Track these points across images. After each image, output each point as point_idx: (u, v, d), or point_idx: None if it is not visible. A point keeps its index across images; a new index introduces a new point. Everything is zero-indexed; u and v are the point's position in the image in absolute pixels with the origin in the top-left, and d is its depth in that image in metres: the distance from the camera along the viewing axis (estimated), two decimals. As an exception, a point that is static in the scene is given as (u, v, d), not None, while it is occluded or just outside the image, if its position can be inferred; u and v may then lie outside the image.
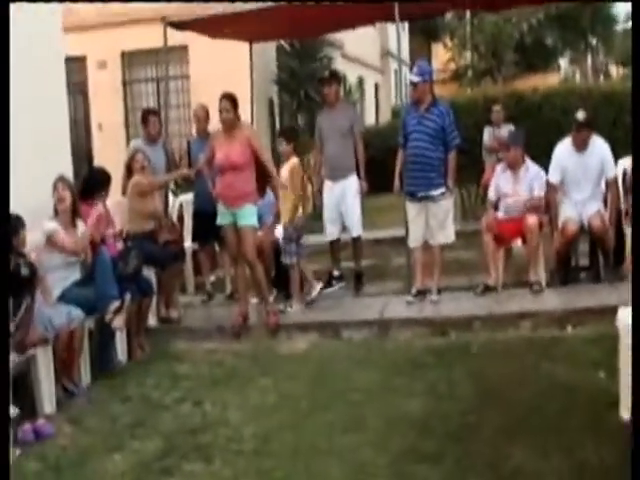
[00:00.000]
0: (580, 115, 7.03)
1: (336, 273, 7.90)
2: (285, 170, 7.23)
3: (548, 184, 7.10)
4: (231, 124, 6.71)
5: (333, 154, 7.69)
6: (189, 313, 7.55)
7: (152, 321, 7.04)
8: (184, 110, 12.59)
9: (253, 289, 7.13)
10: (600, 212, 6.97)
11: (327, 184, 7.81)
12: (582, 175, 7.00)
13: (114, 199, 7.16)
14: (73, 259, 6.04)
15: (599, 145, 7.00)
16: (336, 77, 8.07)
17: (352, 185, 7.66)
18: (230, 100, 6.70)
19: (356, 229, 7.74)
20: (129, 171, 7.16)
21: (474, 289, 7.11)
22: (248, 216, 6.72)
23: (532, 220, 6.94)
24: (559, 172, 7.06)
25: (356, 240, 7.82)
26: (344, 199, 7.65)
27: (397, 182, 7.21)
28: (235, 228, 6.75)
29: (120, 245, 6.69)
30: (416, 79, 6.93)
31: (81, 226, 6.20)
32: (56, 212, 6.06)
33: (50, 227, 5.91)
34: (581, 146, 7.00)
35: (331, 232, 7.81)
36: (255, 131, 7.29)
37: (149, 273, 6.89)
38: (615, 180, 7.00)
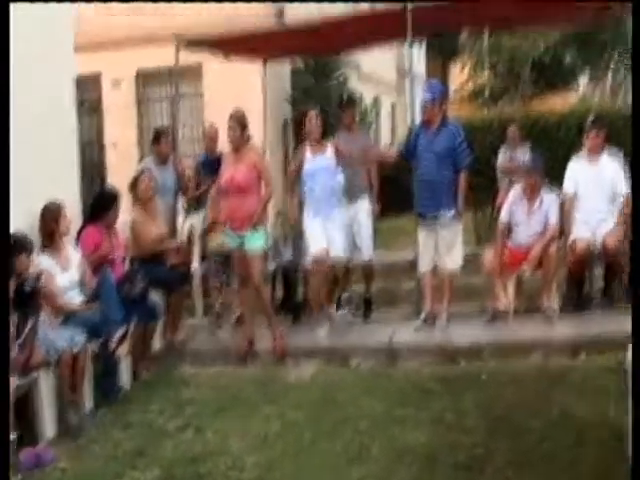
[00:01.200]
0: (591, 117, 7.24)
1: (345, 296, 7.76)
2: None
3: (562, 204, 7.04)
4: (238, 143, 6.63)
5: (347, 176, 7.51)
6: (196, 336, 7.46)
7: (158, 344, 6.95)
8: (198, 129, 12.56)
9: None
10: (615, 230, 6.86)
11: None
12: (594, 187, 6.97)
13: (123, 218, 7.11)
14: (76, 280, 6.00)
15: (612, 159, 7.04)
16: (353, 101, 8.04)
17: (365, 207, 7.59)
18: (238, 119, 6.61)
19: (368, 252, 7.62)
20: (134, 191, 7.09)
21: (484, 315, 6.99)
22: (255, 239, 6.61)
23: (553, 248, 6.83)
24: (573, 182, 7.07)
25: (367, 263, 7.70)
26: (356, 221, 7.55)
27: None
28: (242, 251, 6.66)
29: (127, 267, 6.65)
30: (426, 97, 6.81)
31: (71, 250, 6.12)
32: (50, 239, 5.95)
33: (44, 266, 5.77)
34: (594, 152, 7.04)
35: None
36: (262, 153, 7.20)
37: (156, 296, 6.82)
38: (627, 195, 6.88)
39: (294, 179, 7.20)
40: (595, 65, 33.68)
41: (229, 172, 6.62)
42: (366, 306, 7.70)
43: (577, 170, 7.09)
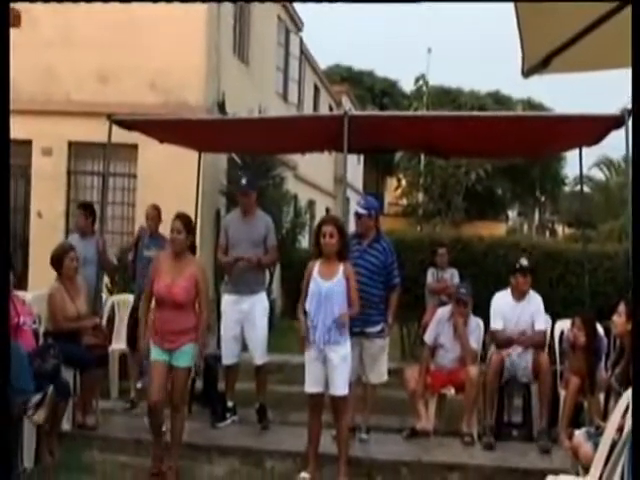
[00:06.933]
0: (524, 261, 7.31)
1: (230, 404, 7.18)
2: None
3: (487, 332, 7.17)
4: (181, 248, 6.01)
5: (242, 265, 7.04)
6: (108, 420, 7.09)
7: (66, 425, 6.60)
8: (129, 208, 12.40)
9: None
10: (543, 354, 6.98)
11: (229, 298, 7.18)
12: (517, 324, 7.05)
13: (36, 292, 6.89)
14: None
15: (534, 297, 7.20)
16: (253, 188, 7.35)
17: (261, 303, 7.15)
18: (183, 221, 6.06)
19: (260, 356, 7.07)
20: (58, 266, 6.89)
21: (404, 431, 6.89)
22: (185, 356, 5.92)
23: (474, 371, 6.87)
24: (500, 319, 7.11)
25: (260, 369, 7.15)
26: (250, 319, 7.04)
27: None
28: (167, 366, 5.91)
29: (39, 340, 6.38)
30: (362, 211, 6.75)
31: None
32: None
33: None
34: (521, 293, 7.14)
35: (229, 354, 7.13)
36: (204, 268, 6.34)
37: (68, 374, 6.52)
38: (544, 333, 7.16)
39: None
40: (524, 200, 34.99)
41: (165, 281, 5.94)
42: (260, 415, 7.10)
43: (503, 306, 7.15)
